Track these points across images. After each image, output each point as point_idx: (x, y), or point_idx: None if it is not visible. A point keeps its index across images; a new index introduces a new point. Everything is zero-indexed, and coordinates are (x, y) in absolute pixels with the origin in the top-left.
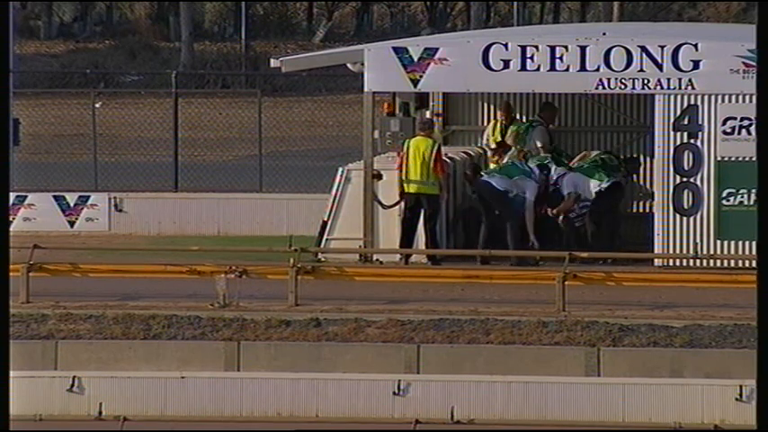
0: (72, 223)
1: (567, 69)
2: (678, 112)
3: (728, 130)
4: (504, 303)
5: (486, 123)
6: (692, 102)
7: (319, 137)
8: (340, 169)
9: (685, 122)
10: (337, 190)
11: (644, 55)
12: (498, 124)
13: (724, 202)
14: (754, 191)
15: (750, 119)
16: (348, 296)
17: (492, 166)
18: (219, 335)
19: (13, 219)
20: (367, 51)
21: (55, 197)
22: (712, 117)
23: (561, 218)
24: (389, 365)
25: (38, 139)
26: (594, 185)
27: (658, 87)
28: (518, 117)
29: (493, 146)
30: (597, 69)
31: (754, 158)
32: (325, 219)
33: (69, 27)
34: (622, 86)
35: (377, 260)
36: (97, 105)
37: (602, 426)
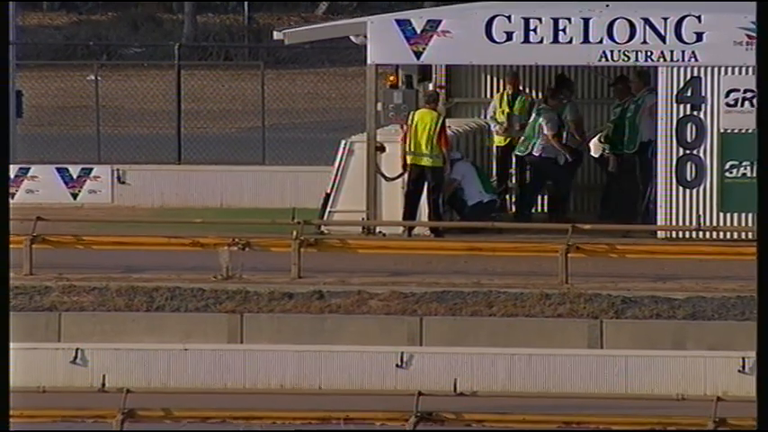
0: (75, 195)
1: (571, 41)
2: (681, 85)
3: (732, 102)
4: (507, 275)
5: (489, 96)
6: (696, 74)
7: (322, 109)
8: (343, 141)
9: (688, 94)
10: (340, 162)
11: (647, 27)
12: (505, 96)
13: (727, 174)
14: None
15: (753, 91)
16: (351, 268)
17: (497, 138)
18: (222, 307)
19: (16, 191)
20: (370, 24)
21: (58, 169)
22: (715, 89)
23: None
24: (392, 338)
25: (41, 111)
26: (475, 191)
27: (661, 59)
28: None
29: (500, 119)
30: (600, 41)
31: None
32: (328, 191)
33: None
34: (626, 59)
35: (380, 232)
36: (90, 78)
37: (605, 397)
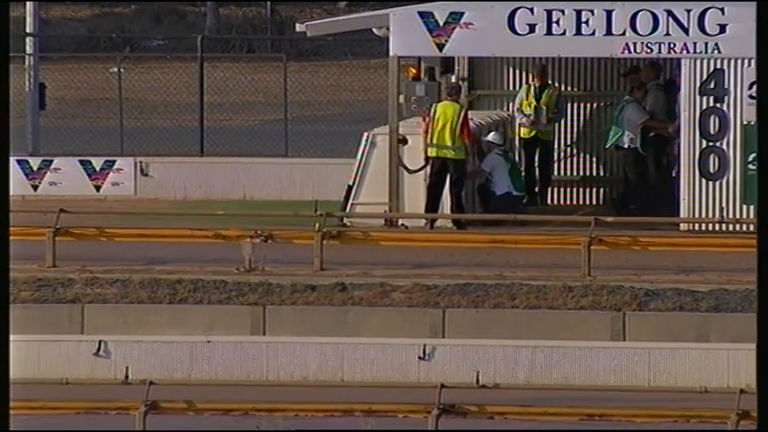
0: (98, 188)
1: (593, 33)
2: (704, 77)
3: (755, 95)
4: (530, 268)
5: (511, 88)
6: (719, 66)
7: (345, 101)
8: (365, 134)
9: (711, 87)
10: (362, 155)
11: (670, 19)
12: (531, 88)
13: (750, 166)
14: None
15: None
16: (373, 261)
17: (523, 130)
18: (245, 299)
19: (39, 183)
20: (392, 16)
21: (81, 161)
22: (738, 81)
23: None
24: (415, 330)
25: (64, 103)
26: (504, 184)
27: (684, 51)
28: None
29: (527, 111)
30: (623, 34)
31: None
32: (351, 183)
33: None
34: (648, 51)
35: (402, 225)
36: (113, 70)
37: (628, 390)
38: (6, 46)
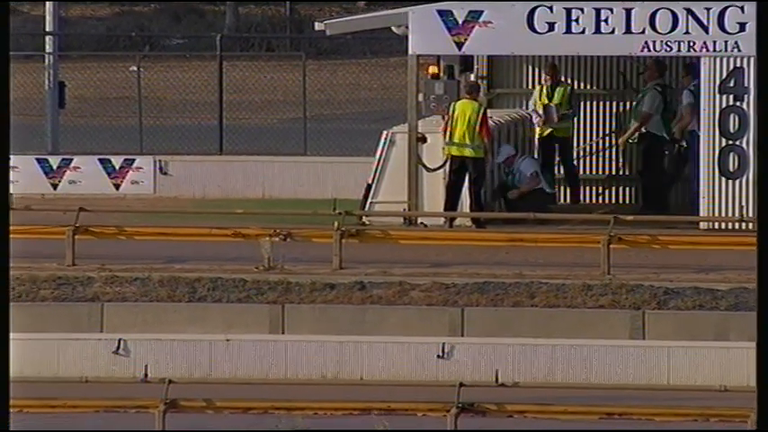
0: (117, 186)
1: (613, 32)
2: (724, 75)
3: None
4: (549, 266)
5: (530, 86)
6: (738, 64)
7: (364, 100)
8: (384, 132)
9: (731, 85)
10: (382, 153)
11: (690, 17)
12: (544, 87)
13: None
14: None
15: None
16: (392, 259)
17: (538, 130)
18: (264, 298)
19: (59, 182)
20: (411, 14)
21: (100, 160)
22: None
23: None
24: (434, 329)
25: (83, 102)
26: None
27: (704, 50)
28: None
29: (540, 110)
30: (642, 32)
31: None
32: (370, 182)
33: None
34: (668, 49)
35: (421, 223)
36: (132, 69)
37: (647, 388)
38: (6, 46)
